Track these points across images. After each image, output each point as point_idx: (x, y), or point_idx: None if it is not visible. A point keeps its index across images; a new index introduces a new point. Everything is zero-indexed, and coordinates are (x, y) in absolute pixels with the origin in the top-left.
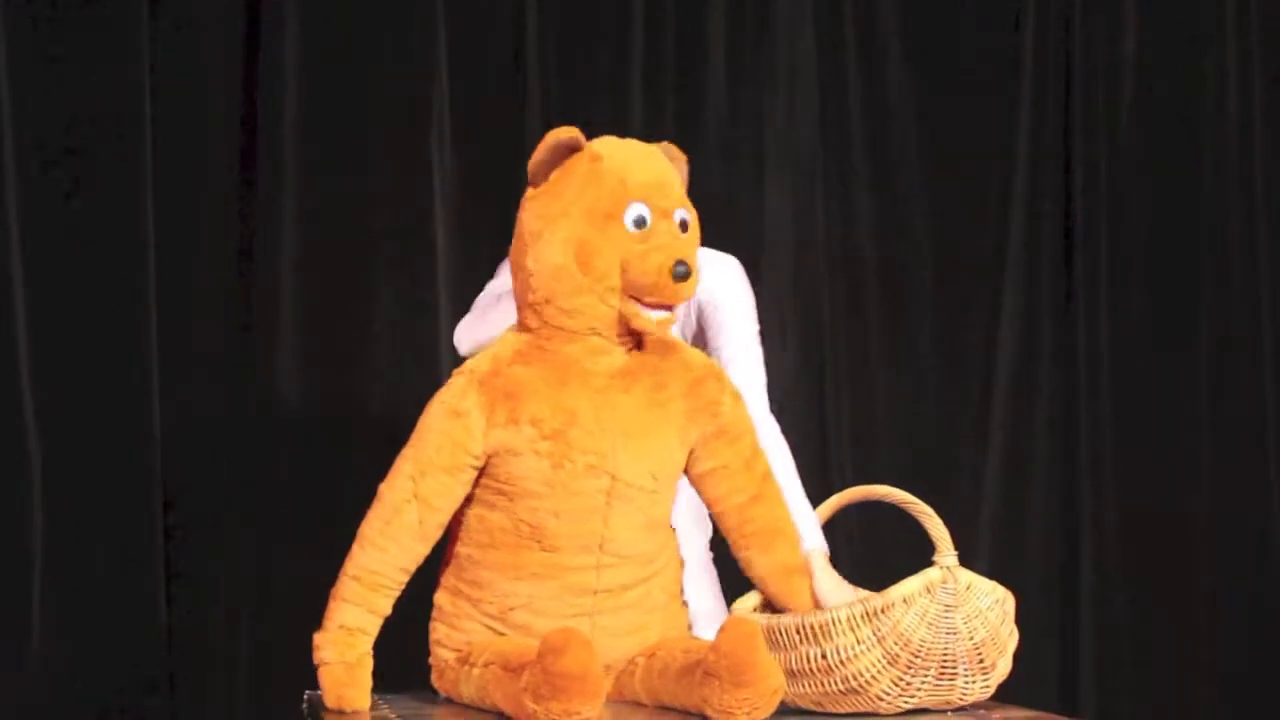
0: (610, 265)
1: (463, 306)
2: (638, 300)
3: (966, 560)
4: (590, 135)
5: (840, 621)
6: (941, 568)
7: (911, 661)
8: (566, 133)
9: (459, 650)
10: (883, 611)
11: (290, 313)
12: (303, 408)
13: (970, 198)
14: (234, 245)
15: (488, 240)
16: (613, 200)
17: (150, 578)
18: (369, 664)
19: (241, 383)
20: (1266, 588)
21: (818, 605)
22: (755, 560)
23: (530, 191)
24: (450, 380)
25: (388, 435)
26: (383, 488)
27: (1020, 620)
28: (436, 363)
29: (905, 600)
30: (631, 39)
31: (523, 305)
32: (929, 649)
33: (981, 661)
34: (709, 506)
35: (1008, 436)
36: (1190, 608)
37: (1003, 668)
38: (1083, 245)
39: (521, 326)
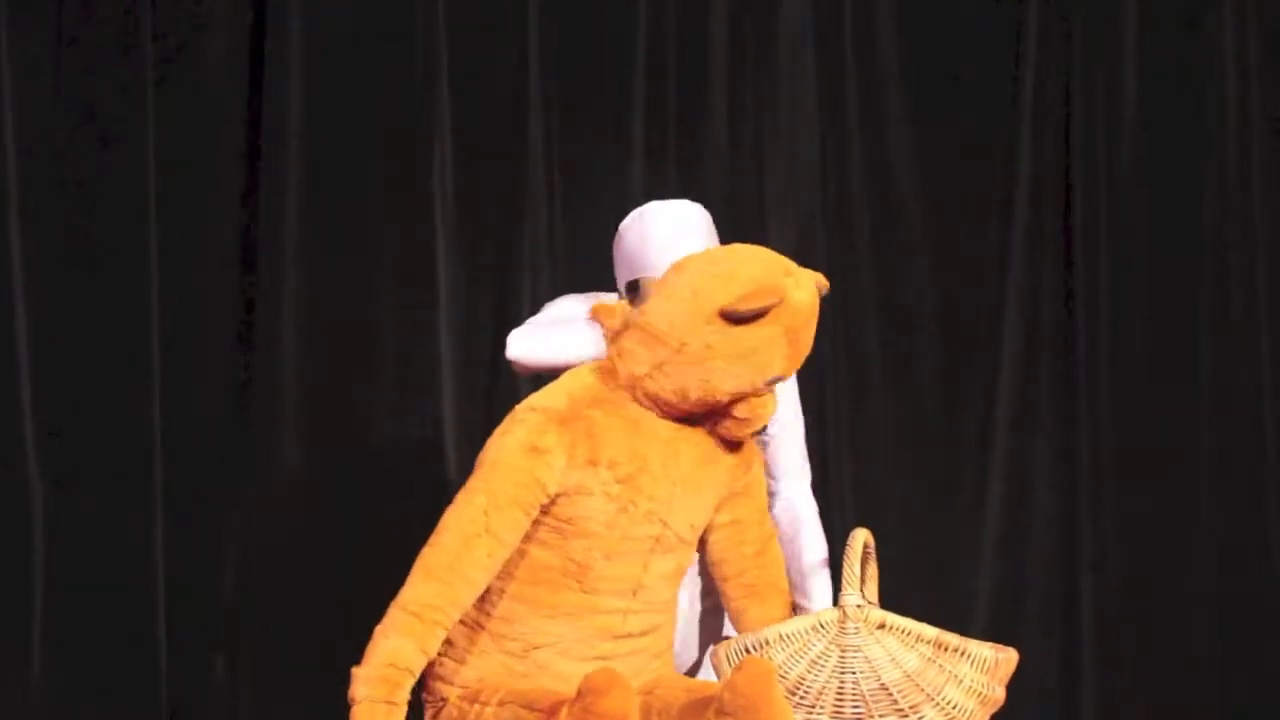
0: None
1: (462, 339)
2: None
3: (967, 590)
4: (592, 176)
5: (720, 657)
6: (840, 608)
7: (787, 697)
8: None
9: (465, 688)
10: (757, 646)
11: (291, 344)
12: (305, 438)
13: (971, 234)
14: (235, 284)
15: (488, 274)
16: None
17: (149, 610)
18: (405, 710)
19: (243, 422)
20: (1267, 620)
21: None
22: (749, 612)
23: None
24: (521, 415)
25: (390, 466)
26: (448, 520)
27: (1021, 642)
28: (437, 394)
29: (782, 637)
30: (634, 81)
31: (646, 351)
32: (810, 685)
33: (895, 703)
34: (713, 557)
35: (1009, 465)
36: (1191, 634)
37: (933, 714)
38: (1083, 278)
39: (610, 375)
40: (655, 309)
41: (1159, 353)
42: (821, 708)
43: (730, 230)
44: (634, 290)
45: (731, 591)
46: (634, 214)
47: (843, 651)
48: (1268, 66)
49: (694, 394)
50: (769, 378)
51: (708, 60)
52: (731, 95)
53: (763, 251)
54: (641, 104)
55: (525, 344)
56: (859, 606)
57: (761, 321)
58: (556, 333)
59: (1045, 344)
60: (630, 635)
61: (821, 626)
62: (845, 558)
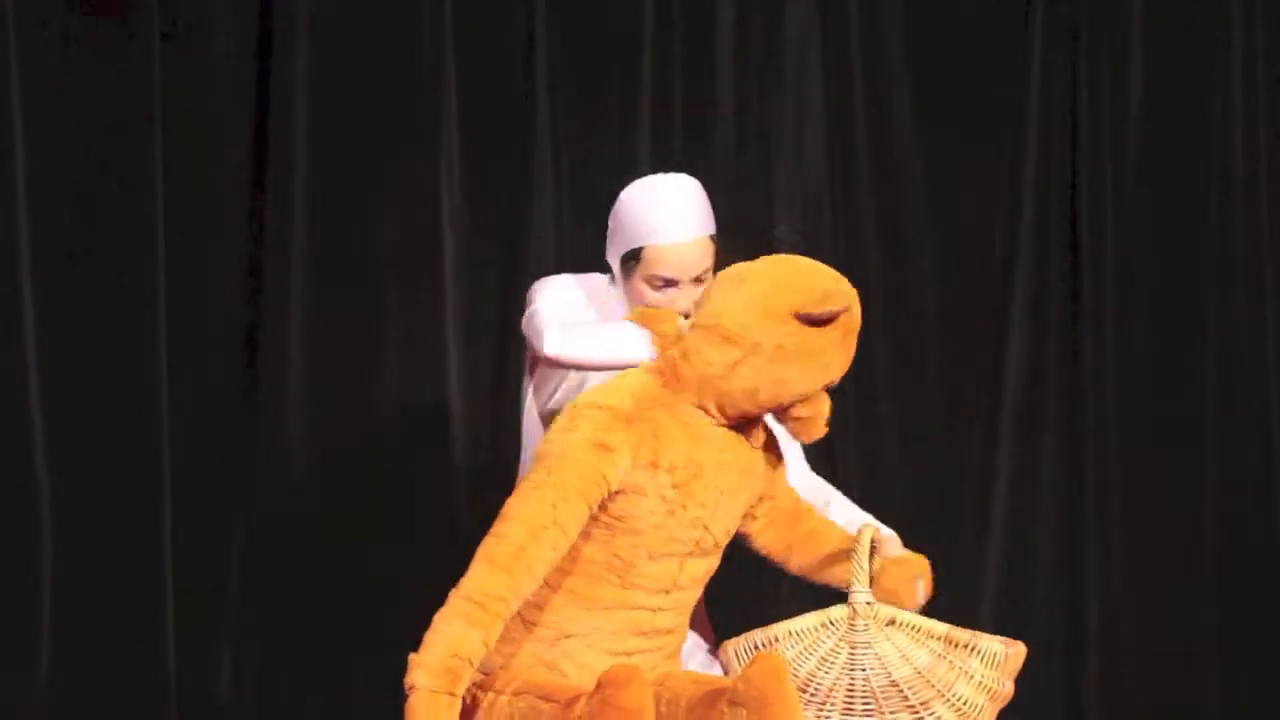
0: None
1: (469, 338)
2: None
3: (972, 592)
4: (598, 175)
5: (729, 653)
6: (850, 604)
7: (798, 695)
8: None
9: (484, 673)
10: (764, 644)
11: (298, 340)
12: (311, 435)
13: (976, 234)
14: (242, 279)
15: (494, 270)
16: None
17: (157, 607)
18: (459, 705)
19: (250, 418)
20: (1271, 620)
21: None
22: (811, 559)
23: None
24: (587, 412)
25: (397, 461)
26: (514, 511)
27: (1025, 643)
28: (443, 393)
29: (791, 634)
30: (640, 80)
31: (715, 352)
32: (820, 683)
33: (907, 700)
34: (762, 551)
35: (1014, 470)
36: (1195, 634)
37: (943, 710)
38: (1089, 277)
39: (673, 379)
40: (724, 311)
41: (1164, 352)
42: (832, 705)
43: (736, 230)
44: (634, 258)
45: (792, 564)
46: (636, 184)
47: (852, 648)
48: (1274, 65)
49: (764, 394)
50: (831, 378)
51: (714, 60)
52: (737, 94)
53: (814, 262)
54: (648, 103)
55: (575, 346)
56: (869, 603)
57: (829, 325)
58: (608, 334)
59: (1051, 343)
60: (657, 632)
61: (831, 623)
62: (853, 554)
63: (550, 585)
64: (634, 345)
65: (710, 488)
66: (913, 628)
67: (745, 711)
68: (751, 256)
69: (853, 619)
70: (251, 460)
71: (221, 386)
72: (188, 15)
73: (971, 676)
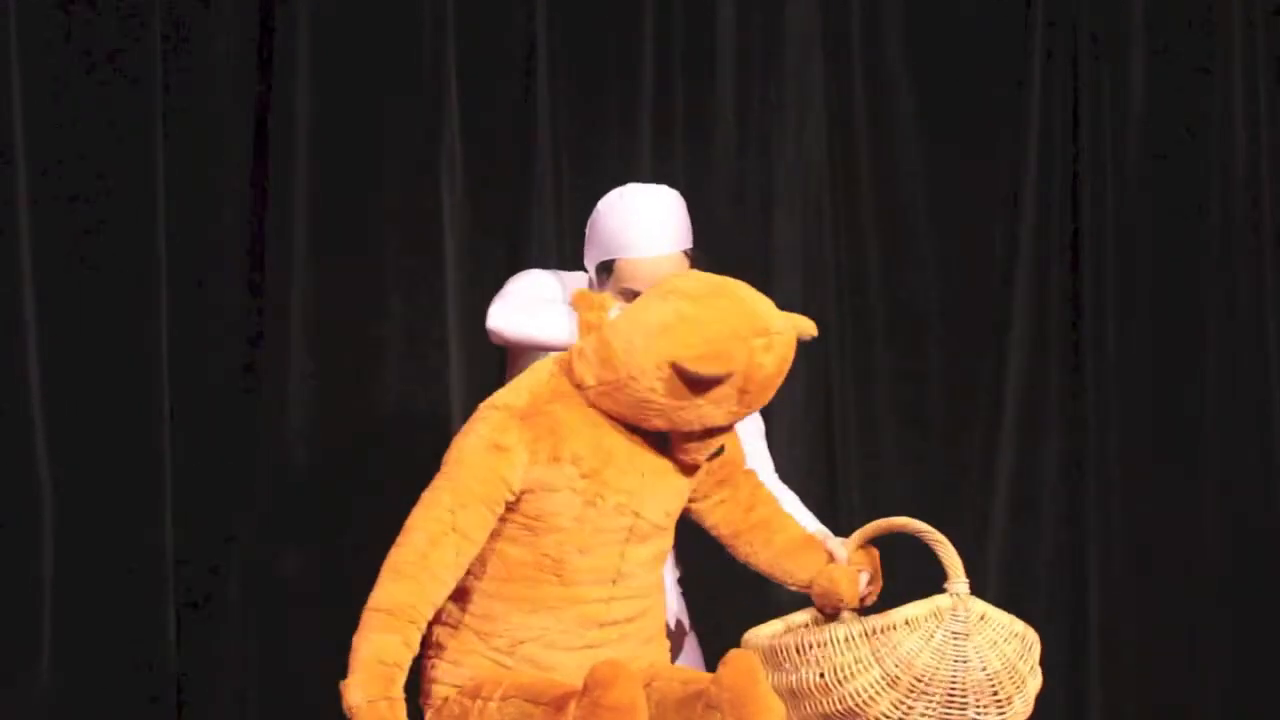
0: None
1: (469, 338)
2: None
3: (973, 586)
4: (599, 178)
5: (838, 640)
6: (952, 595)
7: (914, 685)
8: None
9: (460, 685)
10: (882, 631)
11: (299, 341)
12: (312, 435)
13: (977, 231)
14: (242, 279)
15: (495, 270)
16: None
17: (160, 609)
18: (403, 705)
19: (250, 418)
20: (1273, 620)
21: (832, 559)
22: (760, 548)
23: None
24: (484, 413)
25: (398, 463)
26: (415, 520)
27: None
28: (443, 393)
29: (909, 622)
30: (641, 82)
31: (598, 367)
32: (934, 675)
33: (995, 694)
34: (713, 529)
35: (1015, 471)
36: (1197, 634)
37: (1019, 705)
38: (1090, 278)
39: (568, 372)
40: (625, 328)
41: (1164, 352)
42: (937, 697)
43: (737, 232)
44: (607, 270)
45: (738, 537)
46: (613, 193)
47: (956, 639)
48: (1275, 63)
49: (630, 418)
50: (707, 427)
51: (714, 61)
52: (738, 94)
53: (745, 303)
54: (649, 106)
55: (510, 319)
56: (960, 596)
57: (712, 385)
58: (542, 312)
59: (1051, 343)
60: (616, 622)
61: (938, 613)
62: (939, 546)
63: (490, 595)
64: (559, 328)
65: (628, 472)
66: (998, 623)
67: (720, 714)
68: (751, 259)
69: (955, 609)
70: (252, 460)
71: (221, 386)
72: (188, 15)
73: (1035, 672)
